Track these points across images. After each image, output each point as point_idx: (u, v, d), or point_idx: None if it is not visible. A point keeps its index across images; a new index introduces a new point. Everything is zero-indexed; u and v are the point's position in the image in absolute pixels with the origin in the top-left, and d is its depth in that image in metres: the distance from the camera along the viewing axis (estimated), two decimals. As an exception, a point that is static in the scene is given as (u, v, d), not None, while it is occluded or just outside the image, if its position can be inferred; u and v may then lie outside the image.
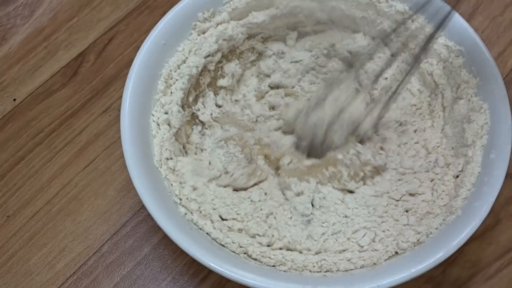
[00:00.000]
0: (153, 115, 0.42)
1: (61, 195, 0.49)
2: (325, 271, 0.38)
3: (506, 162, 0.39)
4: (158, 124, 0.42)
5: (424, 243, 0.38)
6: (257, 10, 0.47)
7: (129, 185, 0.49)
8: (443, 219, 0.39)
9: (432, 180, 0.42)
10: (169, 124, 0.43)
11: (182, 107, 0.45)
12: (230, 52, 0.49)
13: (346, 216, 0.42)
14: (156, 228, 0.47)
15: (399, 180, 0.44)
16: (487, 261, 0.45)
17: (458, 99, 0.43)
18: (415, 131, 0.46)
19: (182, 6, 0.45)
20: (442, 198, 0.41)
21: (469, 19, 0.56)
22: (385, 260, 0.38)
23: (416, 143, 0.45)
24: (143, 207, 0.48)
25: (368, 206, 0.43)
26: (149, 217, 0.47)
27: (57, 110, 0.53)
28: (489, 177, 0.39)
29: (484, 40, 0.43)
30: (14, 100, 0.54)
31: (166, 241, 0.47)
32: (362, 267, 0.38)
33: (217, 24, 0.46)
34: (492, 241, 0.46)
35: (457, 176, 0.41)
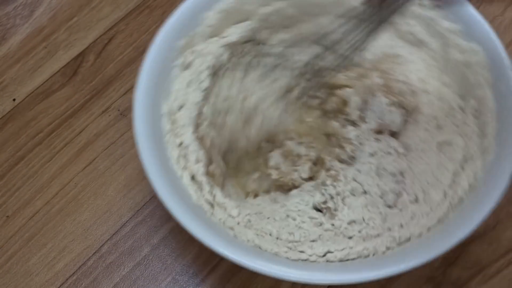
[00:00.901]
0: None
1: (61, 195, 0.49)
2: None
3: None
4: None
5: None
6: (234, 23, 0.46)
7: (129, 185, 0.49)
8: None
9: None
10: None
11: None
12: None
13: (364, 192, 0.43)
14: (156, 228, 0.47)
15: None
16: (487, 261, 0.45)
17: (446, 47, 0.44)
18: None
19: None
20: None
21: (469, 19, 0.56)
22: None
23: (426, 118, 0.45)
24: (143, 207, 0.48)
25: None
26: (149, 217, 0.47)
27: (57, 110, 0.53)
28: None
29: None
30: (14, 100, 0.54)
31: (166, 241, 0.47)
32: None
33: (201, 55, 0.44)
34: (492, 241, 0.46)
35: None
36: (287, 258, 0.37)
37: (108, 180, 0.50)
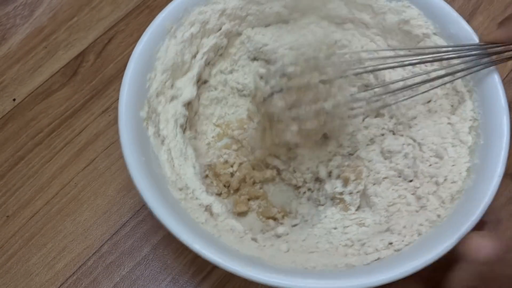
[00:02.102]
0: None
1: (61, 195, 0.49)
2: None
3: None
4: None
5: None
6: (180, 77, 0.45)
7: (129, 185, 0.49)
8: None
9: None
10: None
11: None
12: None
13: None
14: (156, 228, 0.47)
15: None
16: (487, 261, 0.45)
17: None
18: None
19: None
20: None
21: (469, 19, 0.56)
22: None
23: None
24: (143, 207, 0.48)
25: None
26: (149, 217, 0.47)
27: (57, 110, 0.53)
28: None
29: (484, 40, 0.43)
30: (14, 100, 0.54)
31: (166, 241, 0.47)
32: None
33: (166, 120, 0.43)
34: (492, 241, 0.46)
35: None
36: (364, 264, 0.36)
37: (108, 180, 0.50)
